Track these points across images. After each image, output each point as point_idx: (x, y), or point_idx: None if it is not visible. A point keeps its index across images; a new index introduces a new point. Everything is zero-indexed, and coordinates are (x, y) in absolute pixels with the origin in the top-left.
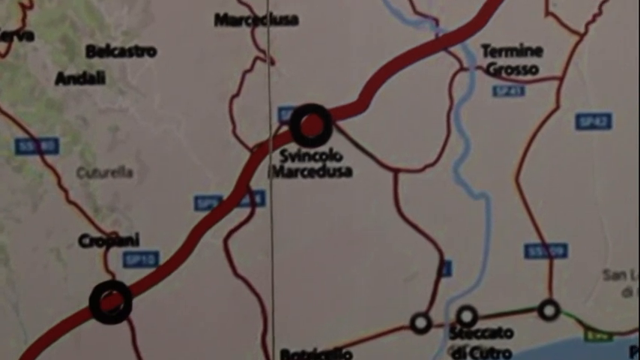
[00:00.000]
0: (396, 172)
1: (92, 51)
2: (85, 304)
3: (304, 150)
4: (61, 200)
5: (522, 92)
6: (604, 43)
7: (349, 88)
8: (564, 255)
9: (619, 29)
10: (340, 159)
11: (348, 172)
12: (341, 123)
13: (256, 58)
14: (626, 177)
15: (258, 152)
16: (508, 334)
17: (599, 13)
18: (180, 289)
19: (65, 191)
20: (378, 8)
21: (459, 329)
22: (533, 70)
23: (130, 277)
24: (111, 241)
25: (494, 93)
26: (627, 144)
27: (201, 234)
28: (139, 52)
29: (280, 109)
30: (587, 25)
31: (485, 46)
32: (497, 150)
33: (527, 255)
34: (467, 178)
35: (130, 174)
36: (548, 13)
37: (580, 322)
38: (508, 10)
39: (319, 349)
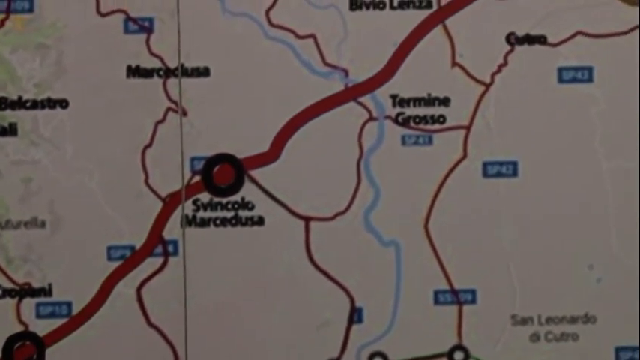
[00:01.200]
0: (307, 220)
1: (4, 103)
2: None
3: (216, 199)
4: None
5: (430, 141)
6: (509, 93)
7: (261, 138)
8: (473, 301)
9: (524, 79)
10: (252, 208)
11: (260, 221)
12: (253, 172)
13: (168, 109)
14: (532, 223)
15: (171, 202)
16: None
17: (505, 63)
18: (93, 338)
19: None
20: (288, 59)
21: None
22: (441, 119)
23: (43, 327)
24: (24, 291)
25: (403, 142)
26: (533, 191)
27: (114, 284)
28: (51, 103)
29: (192, 159)
30: (492, 75)
31: (393, 96)
32: (407, 198)
33: (436, 301)
34: (377, 226)
35: (43, 225)
36: (454, 63)
37: None
38: (416, 60)
39: None
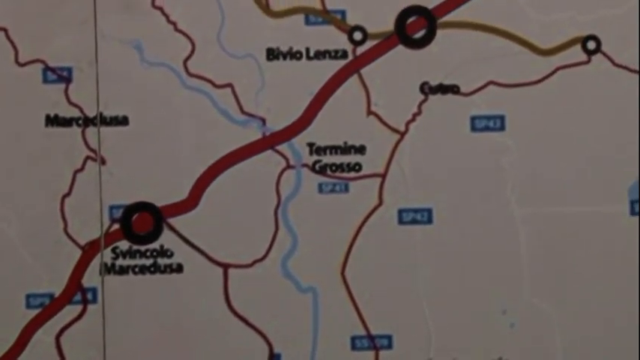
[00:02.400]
0: (225, 267)
1: None
2: None
3: (135, 247)
4: None
5: (347, 189)
6: (424, 141)
7: (179, 185)
8: (389, 346)
9: (437, 127)
10: (171, 255)
11: (179, 268)
12: (171, 220)
13: (87, 158)
14: (447, 269)
15: (90, 250)
16: None
17: (419, 112)
18: None
19: None
20: (206, 108)
21: None
22: (357, 167)
23: None
24: None
25: (320, 190)
26: (447, 238)
27: (32, 332)
28: None
29: (111, 208)
30: (407, 123)
31: (310, 145)
32: (324, 245)
33: (353, 347)
34: (295, 273)
35: None
36: (370, 112)
37: None
38: (332, 109)
39: None
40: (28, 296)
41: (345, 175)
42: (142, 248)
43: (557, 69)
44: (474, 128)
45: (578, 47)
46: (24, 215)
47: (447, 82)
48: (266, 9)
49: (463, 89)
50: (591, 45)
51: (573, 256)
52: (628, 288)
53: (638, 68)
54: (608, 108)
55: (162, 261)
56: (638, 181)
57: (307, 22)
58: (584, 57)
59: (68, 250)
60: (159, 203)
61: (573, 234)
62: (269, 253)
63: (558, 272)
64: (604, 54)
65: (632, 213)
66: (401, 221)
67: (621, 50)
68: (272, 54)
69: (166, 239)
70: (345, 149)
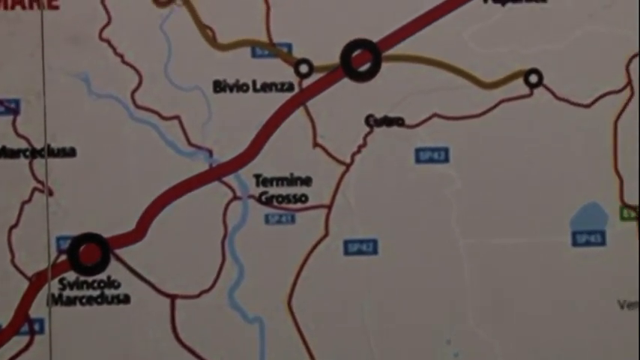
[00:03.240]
0: (173, 298)
1: None
2: None
3: (83, 278)
4: None
5: (293, 220)
6: (369, 173)
7: (126, 217)
8: None
9: (382, 159)
10: (118, 286)
11: (126, 299)
12: (119, 251)
13: (34, 189)
14: (392, 300)
15: (37, 281)
16: None
17: (364, 144)
18: None
19: None
20: (153, 140)
21: None
22: (303, 198)
23: None
24: None
25: (267, 221)
26: (393, 268)
27: None
28: None
29: (58, 239)
30: (352, 155)
31: (257, 176)
32: (271, 276)
33: None
34: (242, 303)
35: None
36: (316, 144)
37: None
38: (278, 141)
39: None
40: None
41: (291, 206)
42: (89, 279)
43: (500, 102)
44: (418, 160)
45: (520, 81)
46: None
47: (391, 114)
48: (213, 42)
49: (408, 121)
50: (533, 78)
51: (516, 286)
52: (570, 318)
53: (578, 101)
54: (550, 140)
55: (109, 292)
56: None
57: (254, 54)
58: (526, 90)
59: (15, 281)
60: (106, 234)
61: (516, 265)
62: (216, 284)
63: (502, 302)
64: (546, 87)
65: (574, 244)
66: (347, 252)
67: (563, 84)
68: (219, 86)
69: (113, 270)
70: (292, 181)
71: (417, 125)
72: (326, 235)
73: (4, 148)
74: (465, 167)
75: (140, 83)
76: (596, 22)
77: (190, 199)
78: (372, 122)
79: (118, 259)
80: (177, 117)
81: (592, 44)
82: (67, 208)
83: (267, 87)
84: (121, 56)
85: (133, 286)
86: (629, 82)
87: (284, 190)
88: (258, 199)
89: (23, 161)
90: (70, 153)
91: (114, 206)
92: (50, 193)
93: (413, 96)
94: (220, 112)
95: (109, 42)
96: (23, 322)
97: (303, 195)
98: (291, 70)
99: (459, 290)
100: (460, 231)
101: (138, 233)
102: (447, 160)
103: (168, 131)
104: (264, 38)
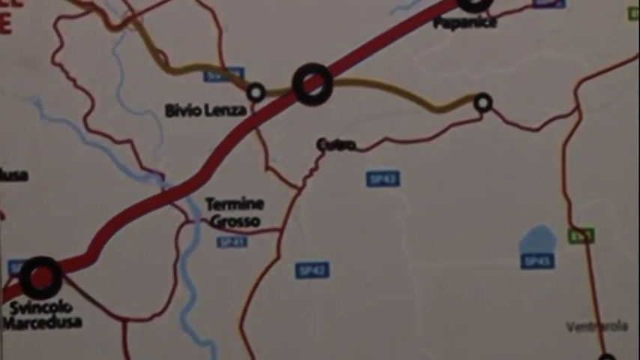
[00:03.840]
0: (124, 321)
1: None
2: None
3: (34, 302)
4: None
5: (245, 243)
6: (321, 196)
7: (78, 240)
8: None
9: (334, 182)
10: (70, 310)
11: (78, 323)
12: (71, 275)
13: None
14: (344, 322)
15: None
16: None
17: (316, 167)
18: None
19: None
20: (105, 163)
21: None
22: (255, 222)
23: None
24: None
25: (219, 244)
26: (344, 291)
27: None
28: None
29: (10, 262)
30: (304, 179)
31: (209, 200)
32: (222, 299)
33: None
34: (193, 326)
35: None
36: (268, 167)
37: None
38: (230, 165)
39: None
40: None
41: (243, 229)
42: (41, 303)
43: (450, 126)
44: (369, 183)
45: (470, 105)
46: None
47: (343, 138)
48: (165, 66)
49: (359, 145)
50: (483, 103)
51: (467, 309)
52: (520, 340)
53: (527, 125)
54: (499, 164)
55: (61, 315)
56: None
57: (206, 78)
58: (476, 114)
59: None
60: (58, 258)
61: (466, 287)
62: (168, 307)
63: (452, 325)
64: (495, 111)
65: (523, 266)
66: (298, 275)
67: (512, 108)
68: (171, 110)
69: (65, 294)
70: (244, 204)
71: (369, 149)
72: (278, 258)
73: None
74: (416, 191)
75: (92, 107)
76: (544, 47)
77: (142, 223)
78: (324, 146)
79: (70, 282)
80: (129, 141)
81: (541, 69)
82: (19, 231)
83: (219, 111)
84: (74, 80)
85: (85, 309)
86: (578, 106)
87: (236, 214)
88: (210, 223)
89: None
90: (22, 177)
91: (66, 230)
92: (2, 217)
93: (364, 120)
94: (172, 135)
95: (61, 66)
96: None
97: (255, 218)
98: (243, 94)
99: (410, 313)
100: (411, 254)
101: (90, 257)
102: (397, 183)
103: (120, 155)
104: (216, 62)
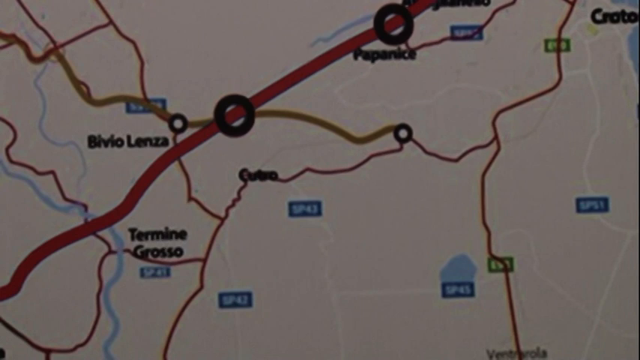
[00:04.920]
0: (47, 352)
1: None
2: None
3: None
4: None
5: (168, 273)
6: (243, 226)
7: (1, 271)
8: None
9: (256, 213)
10: None
11: (1, 354)
12: None
13: None
14: (267, 352)
15: None
16: None
17: (238, 198)
18: None
19: None
20: (28, 195)
21: None
22: (178, 252)
23: None
24: None
25: (142, 274)
26: (267, 320)
27: None
28: None
29: None
30: (227, 209)
31: (132, 230)
32: (146, 329)
33: None
34: (117, 357)
35: None
36: (190, 198)
37: None
38: (153, 195)
39: None
40: None
41: (166, 259)
42: None
43: (371, 156)
44: (291, 213)
45: (390, 135)
46: None
47: (265, 168)
48: (87, 97)
49: (281, 175)
50: (403, 133)
51: (388, 337)
52: None
53: (447, 156)
54: (419, 193)
55: None
56: None
57: (128, 110)
58: (396, 145)
59: None
60: None
61: (388, 316)
62: (91, 338)
63: (374, 353)
64: (415, 142)
65: (444, 295)
66: (221, 304)
67: (431, 138)
68: (93, 141)
69: None
70: (167, 234)
71: (290, 179)
72: (201, 287)
73: None
74: (338, 220)
75: (15, 139)
76: (463, 78)
77: (65, 254)
78: (246, 176)
79: None
80: (52, 172)
81: (459, 100)
82: None
83: (141, 142)
84: None
85: (8, 340)
86: (496, 137)
87: (159, 244)
88: (134, 253)
89: None
90: None
91: None
92: None
93: (286, 150)
94: (95, 166)
95: None
96: None
97: (178, 249)
98: (165, 125)
99: (333, 342)
100: (333, 283)
101: (12, 288)
102: (319, 213)
103: (43, 186)
104: (138, 94)
